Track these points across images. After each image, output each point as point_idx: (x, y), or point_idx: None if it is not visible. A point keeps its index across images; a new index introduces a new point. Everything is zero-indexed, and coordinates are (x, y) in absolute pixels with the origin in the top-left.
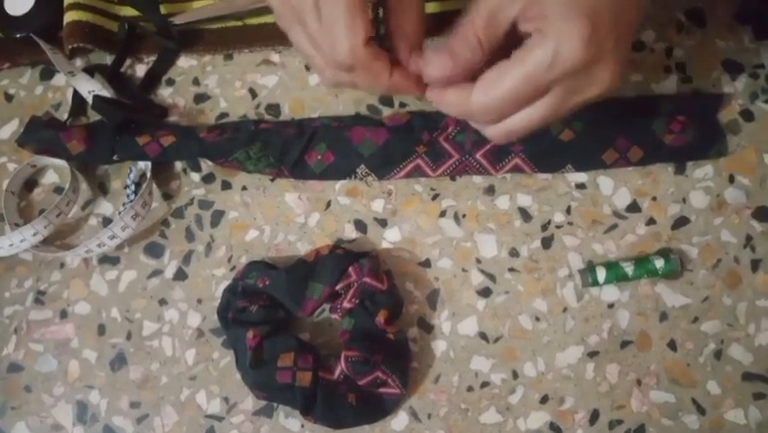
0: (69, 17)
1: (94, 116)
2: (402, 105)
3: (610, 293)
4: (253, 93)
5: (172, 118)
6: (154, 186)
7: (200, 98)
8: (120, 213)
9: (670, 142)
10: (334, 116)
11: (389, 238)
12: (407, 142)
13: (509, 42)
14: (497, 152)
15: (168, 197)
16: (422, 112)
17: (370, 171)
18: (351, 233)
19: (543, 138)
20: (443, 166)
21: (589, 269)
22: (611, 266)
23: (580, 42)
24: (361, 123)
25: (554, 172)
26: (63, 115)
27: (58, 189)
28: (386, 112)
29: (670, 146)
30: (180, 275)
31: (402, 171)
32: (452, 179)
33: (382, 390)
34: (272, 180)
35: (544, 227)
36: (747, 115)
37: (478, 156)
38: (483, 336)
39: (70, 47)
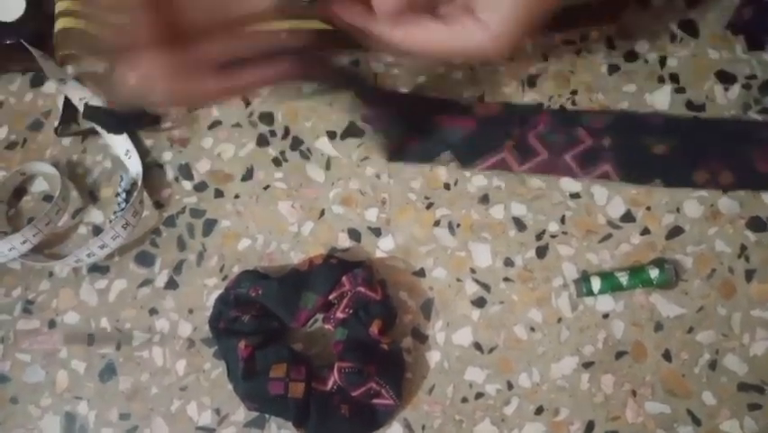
0: (61, 24)
1: (85, 124)
2: None
3: (605, 303)
4: (246, 101)
5: (165, 126)
6: (145, 194)
7: None
8: (110, 222)
9: (763, 169)
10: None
11: (383, 247)
12: (497, 134)
13: None
14: (588, 155)
15: (159, 205)
16: (514, 105)
17: (454, 159)
18: (344, 242)
19: (635, 148)
20: (529, 162)
21: (584, 279)
22: (606, 276)
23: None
24: (450, 108)
25: (642, 185)
26: (53, 122)
27: (47, 197)
28: None
29: (762, 173)
30: (171, 284)
31: (487, 163)
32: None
33: (376, 401)
34: (265, 189)
35: (539, 237)
36: None
37: (567, 158)
38: (478, 346)
39: (61, 54)
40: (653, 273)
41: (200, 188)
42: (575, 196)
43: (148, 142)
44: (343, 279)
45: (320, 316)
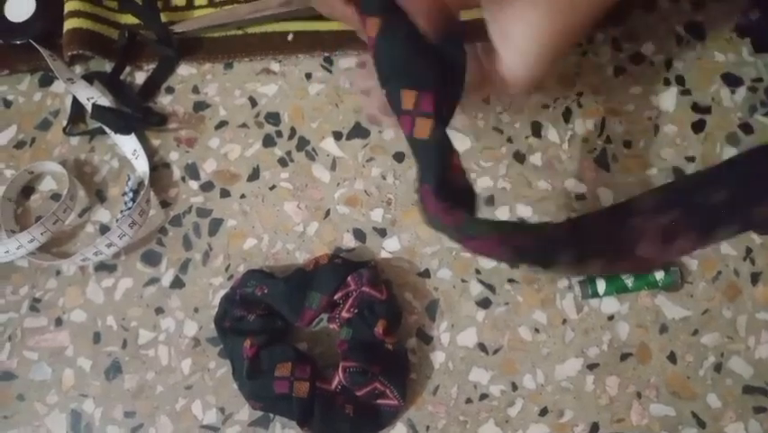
0: (70, 24)
1: (93, 123)
2: None
3: (610, 305)
4: (253, 101)
5: (171, 126)
6: (152, 193)
7: (200, 106)
8: (117, 221)
9: None
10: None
11: (389, 248)
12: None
13: None
14: (665, 234)
15: (165, 204)
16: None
17: None
18: (350, 242)
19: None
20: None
21: (589, 280)
22: (611, 278)
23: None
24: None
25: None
26: (62, 121)
27: (55, 196)
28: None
29: None
30: (177, 283)
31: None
32: None
33: (380, 401)
34: (271, 189)
35: None
36: (746, 129)
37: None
38: (482, 347)
39: (70, 54)
40: (659, 275)
41: (206, 187)
42: (581, 197)
43: (155, 142)
44: (348, 279)
45: (325, 315)
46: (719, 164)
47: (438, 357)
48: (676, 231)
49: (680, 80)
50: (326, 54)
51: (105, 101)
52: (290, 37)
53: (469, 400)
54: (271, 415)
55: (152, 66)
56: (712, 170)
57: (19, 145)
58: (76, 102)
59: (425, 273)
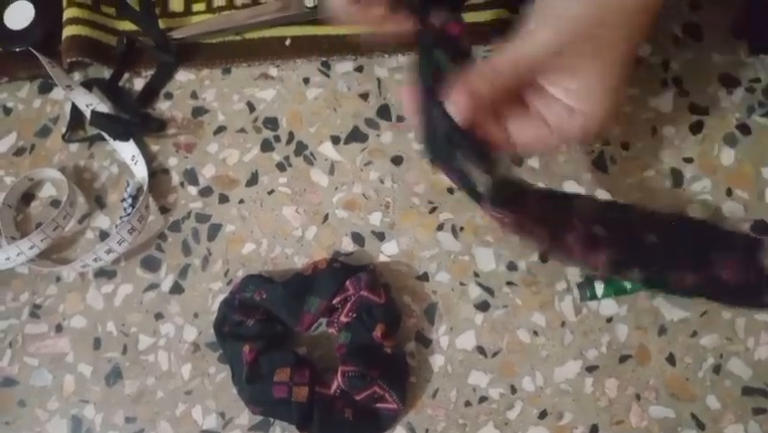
0: (68, 31)
1: (92, 130)
2: (400, 118)
3: (609, 307)
4: (251, 106)
5: (170, 131)
6: (151, 199)
7: (198, 112)
8: (117, 227)
9: (729, 279)
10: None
11: (387, 251)
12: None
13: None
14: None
15: (164, 210)
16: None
17: None
18: (348, 246)
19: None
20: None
21: (588, 282)
22: (609, 280)
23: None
24: None
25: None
26: (61, 128)
27: (55, 203)
28: (383, 125)
29: (726, 283)
30: (177, 289)
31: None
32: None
33: (379, 405)
34: (269, 194)
35: None
36: (744, 129)
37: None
38: (481, 350)
39: (69, 61)
40: None
41: (205, 193)
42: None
43: (154, 148)
44: (347, 283)
45: (324, 320)
46: (657, 216)
47: (437, 360)
48: (599, 245)
49: (677, 81)
50: (324, 59)
51: (104, 107)
52: (288, 42)
53: (468, 404)
54: (271, 419)
55: (151, 72)
56: (650, 217)
57: (19, 152)
58: (75, 109)
59: (424, 277)
